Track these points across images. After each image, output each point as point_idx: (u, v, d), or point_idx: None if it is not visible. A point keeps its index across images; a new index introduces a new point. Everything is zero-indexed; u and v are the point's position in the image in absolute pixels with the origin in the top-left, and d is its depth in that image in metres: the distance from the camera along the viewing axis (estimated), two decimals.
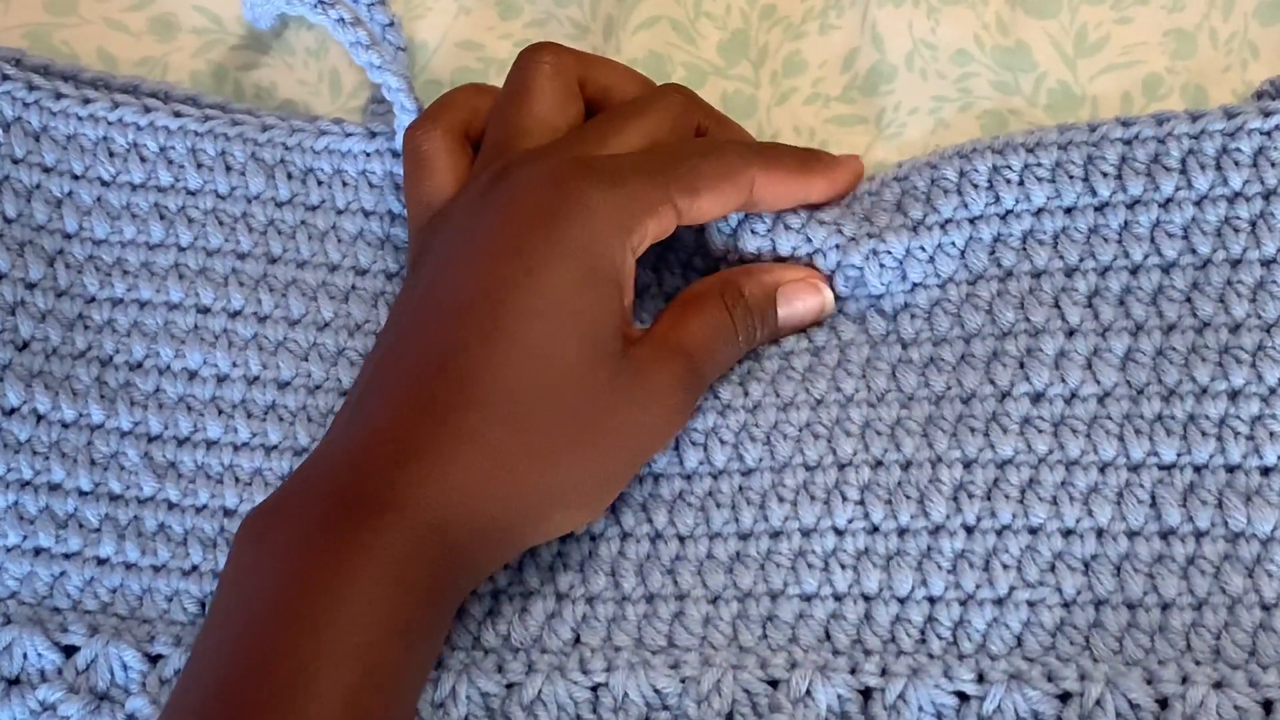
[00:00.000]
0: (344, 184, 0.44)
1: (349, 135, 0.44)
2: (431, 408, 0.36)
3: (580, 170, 0.37)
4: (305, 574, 0.33)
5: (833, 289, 0.42)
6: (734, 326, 0.40)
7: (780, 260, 0.42)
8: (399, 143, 0.43)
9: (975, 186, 0.41)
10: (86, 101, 0.44)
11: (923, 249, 0.41)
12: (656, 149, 0.39)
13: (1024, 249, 0.41)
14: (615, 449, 0.38)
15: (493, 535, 0.36)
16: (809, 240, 0.41)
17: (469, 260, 0.37)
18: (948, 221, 0.41)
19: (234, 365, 0.42)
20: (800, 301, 0.41)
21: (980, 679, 0.37)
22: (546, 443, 0.36)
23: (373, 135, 0.44)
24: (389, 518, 0.34)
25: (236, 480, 0.42)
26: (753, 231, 0.42)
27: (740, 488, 0.40)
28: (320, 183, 0.44)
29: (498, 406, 0.35)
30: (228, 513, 0.41)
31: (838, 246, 0.41)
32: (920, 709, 0.37)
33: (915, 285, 0.41)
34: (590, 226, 0.36)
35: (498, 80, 0.47)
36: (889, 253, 0.41)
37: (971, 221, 0.41)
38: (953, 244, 0.41)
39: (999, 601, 0.38)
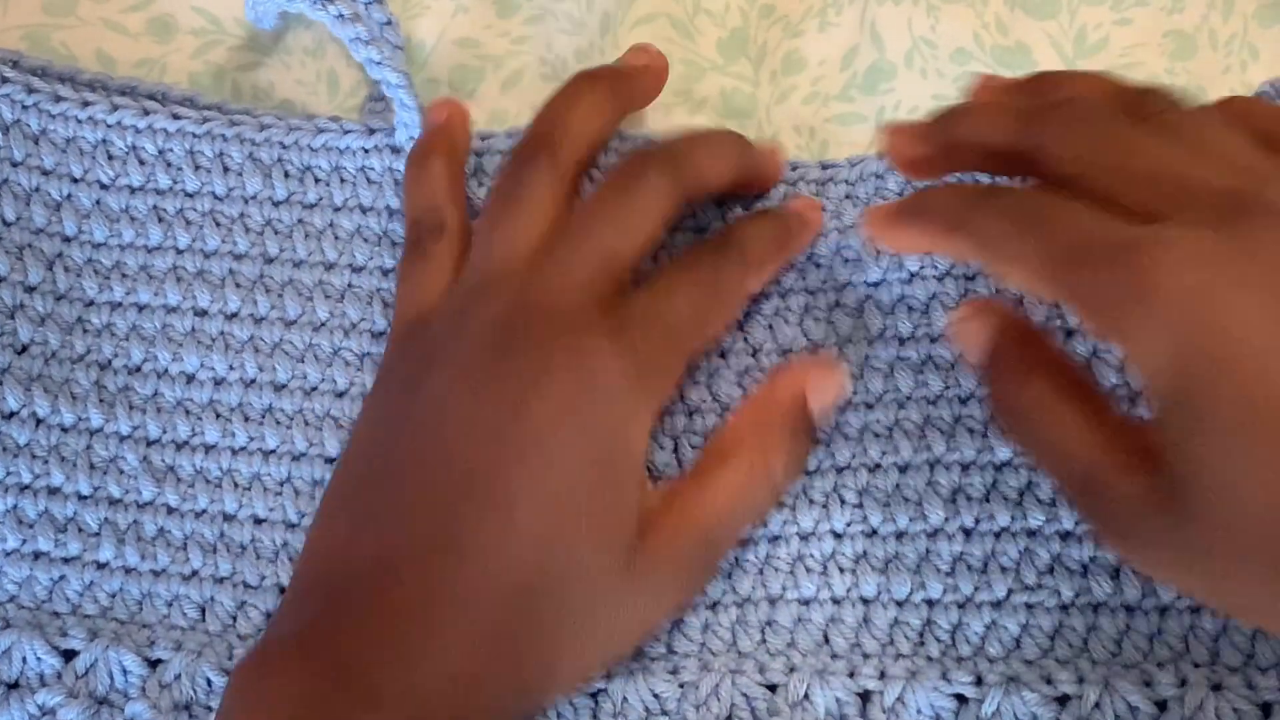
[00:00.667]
0: (342, 181, 0.44)
1: (347, 132, 0.44)
2: (427, 585, 0.33)
3: (613, 347, 0.35)
4: None
5: (833, 276, 0.41)
6: (770, 489, 0.38)
7: None
8: (398, 138, 0.43)
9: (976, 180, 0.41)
10: (85, 104, 0.44)
11: None
12: (659, 293, 0.37)
13: None
14: (621, 637, 0.36)
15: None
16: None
17: (479, 419, 0.34)
18: None
19: (230, 368, 0.42)
20: (825, 390, 0.39)
21: (978, 682, 0.37)
22: (552, 640, 0.34)
23: (371, 132, 0.44)
24: (394, 716, 0.32)
25: (235, 485, 0.42)
26: None
27: None
28: (318, 180, 0.44)
29: (504, 600, 0.33)
30: (227, 517, 0.41)
31: (838, 230, 0.41)
32: (918, 712, 0.37)
33: (913, 275, 0.41)
34: (618, 417, 0.34)
35: (495, 75, 0.47)
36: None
37: None
38: None
39: (997, 605, 0.38)
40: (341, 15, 0.42)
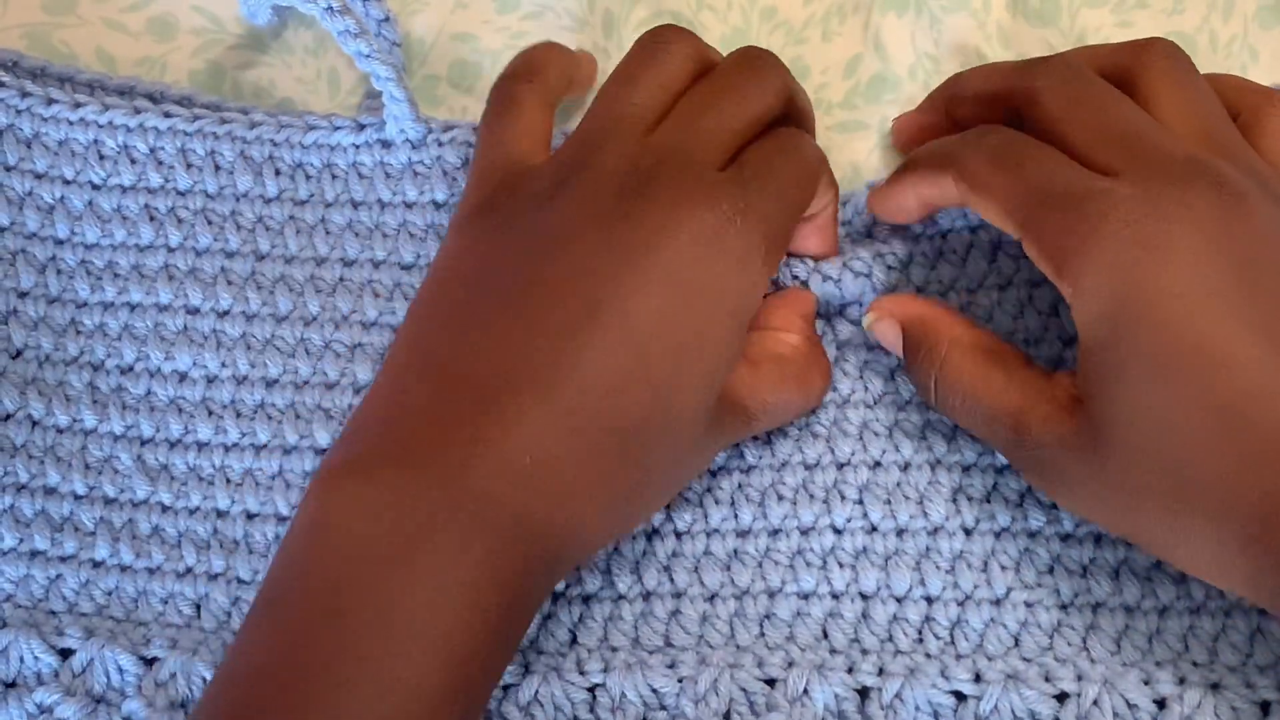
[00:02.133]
0: (333, 177, 0.44)
1: (337, 129, 0.44)
2: (546, 407, 0.33)
3: (749, 220, 0.35)
4: (409, 556, 0.32)
5: (838, 292, 0.41)
6: (810, 399, 0.39)
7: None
8: (389, 132, 0.43)
9: None
10: (77, 106, 0.44)
11: (925, 254, 0.41)
12: (770, 165, 0.37)
13: (1021, 256, 0.41)
14: (682, 483, 0.38)
15: (583, 548, 0.35)
16: (819, 268, 0.41)
17: (611, 254, 0.34)
18: (948, 231, 0.41)
19: (223, 365, 0.42)
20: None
21: (977, 679, 0.37)
22: (646, 475, 0.35)
23: (361, 127, 0.44)
24: (501, 530, 0.33)
25: (228, 481, 0.42)
26: None
27: (739, 485, 0.40)
28: (309, 177, 0.44)
29: (617, 431, 0.34)
30: (220, 514, 0.41)
31: (840, 263, 0.41)
32: (917, 708, 0.37)
33: (918, 289, 0.41)
34: (744, 272, 0.35)
35: (494, 70, 0.47)
36: (893, 254, 0.41)
37: (972, 230, 0.41)
38: (953, 250, 0.41)
39: (996, 602, 0.38)
40: (331, 8, 0.42)
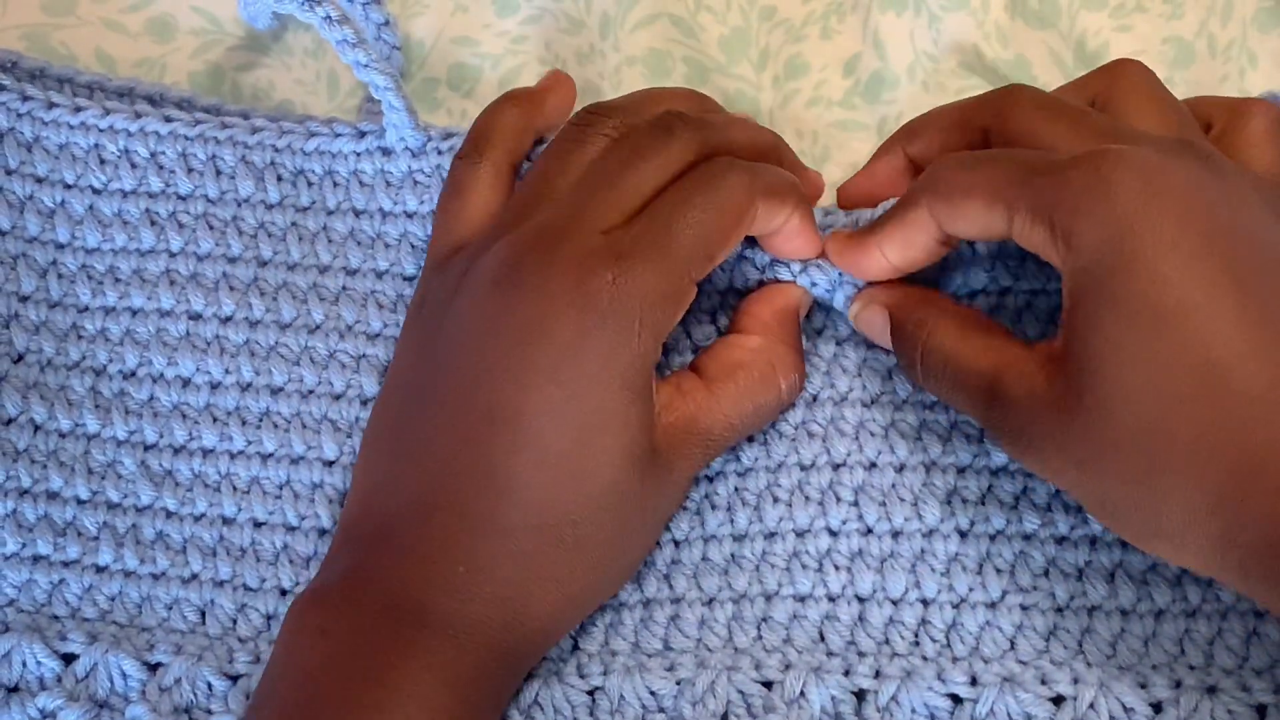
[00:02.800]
0: (335, 184, 0.44)
1: (339, 135, 0.44)
2: (467, 518, 0.35)
3: (618, 283, 0.35)
4: (362, 670, 0.34)
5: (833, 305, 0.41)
6: (780, 400, 0.39)
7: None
8: (389, 140, 0.43)
9: None
10: (78, 110, 0.44)
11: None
12: (675, 218, 0.37)
13: (1020, 267, 0.41)
14: (646, 537, 0.38)
15: (543, 636, 0.37)
16: (807, 272, 0.41)
17: (495, 355, 0.36)
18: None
19: (227, 372, 0.42)
20: (803, 309, 0.41)
21: (973, 682, 0.38)
22: (598, 558, 0.36)
23: (362, 135, 0.44)
24: (443, 634, 0.35)
25: (234, 489, 0.42)
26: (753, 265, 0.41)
27: (736, 489, 0.40)
28: (311, 184, 0.44)
29: (543, 525, 0.35)
30: (226, 521, 0.41)
31: (834, 281, 0.41)
32: (913, 711, 0.37)
33: None
34: (630, 348, 0.35)
35: (494, 74, 0.47)
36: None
37: (969, 241, 0.41)
38: (954, 259, 0.41)
39: (992, 605, 0.39)
40: (329, 17, 0.42)
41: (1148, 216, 0.32)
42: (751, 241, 0.41)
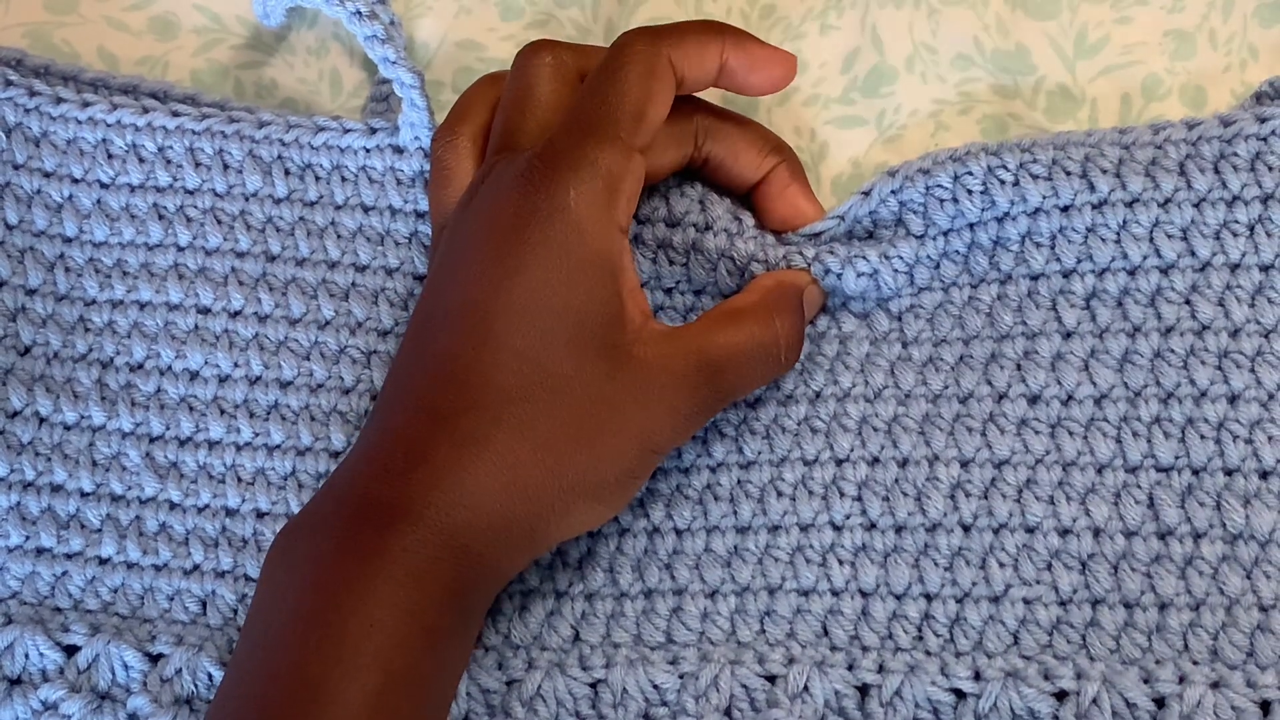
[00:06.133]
0: (343, 179, 0.44)
1: (348, 131, 0.44)
2: (434, 414, 0.36)
3: (547, 163, 0.37)
4: (327, 584, 0.34)
5: (841, 290, 0.42)
6: (780, 347, 0.39)
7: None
8: (403, 138, 0.43)
9: (970, 192, 0.41)
10: (86, 105, 0.44)
11: (929, 256, 0.41)
12: (583, 96, 0.38)
13: (1021, 252, 0.41)
14: (623, 444, 0.37)
15: (510, 536, 0.36)
16: (820, 258, 0.41)
17: (457, 269, 0.38)
18: (948, 231, 0.41)
19: (235, 365, 0.42)
20: (814, 305, 0.42)
21: (977, 677, 0.37)
22: (549, 441, 0.36)
23: (373, 131, 0.44)
24: (402, 525, 0.35)
25: (239, 480, 0.42)
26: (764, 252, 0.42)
27: (739, 481, 0.41)
28: (318, 179, 0.44)
29: (493, 409, 0.36)
30: (229, 513, 0.41)
31: (844, 259, 0.41)
32: (917, 705, 0.37)
33: (921, 289, 0.41)
34: (568, 220, 0.36)
35: None
36: (900, 257, 0.41)
37: (970, 227, 0.41)
38: (956, 251, 0.41)
39: (995, 599, 0.39)
40: (359, 13, 0.42)
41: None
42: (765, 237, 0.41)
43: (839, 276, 0.41)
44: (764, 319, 0.39)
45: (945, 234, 0.41)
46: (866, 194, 0.41)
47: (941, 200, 0.41)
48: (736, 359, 0.38)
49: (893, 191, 0.41)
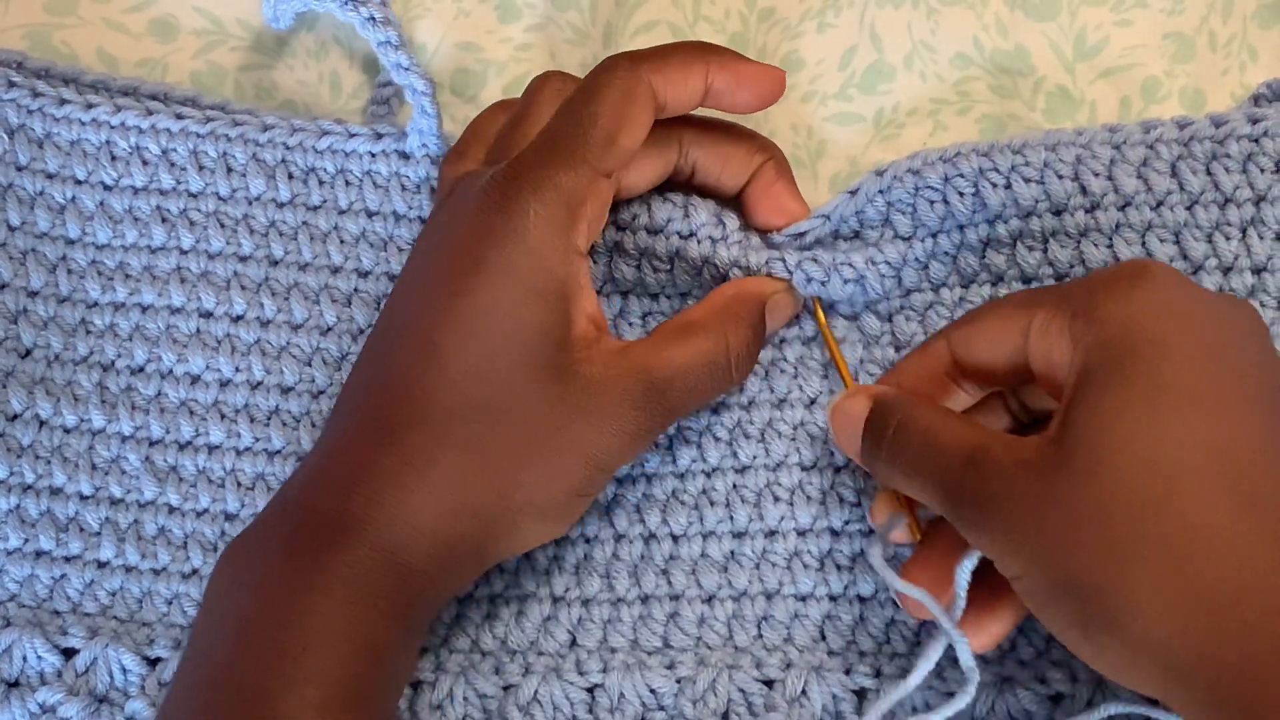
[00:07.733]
0: (347, 184, 0.44)
1: (353, 135, 0.44)
2: (380, 431, 0.36)
3: (508, 182, 0.37)
4: (270, 596, 0.34)
5: (827, 295, 0.41)
6: (729, 363, 0.38)
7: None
8: (410, 144, 0.43)
9: (961, 194, 0.40)
10: (89, 106, 0.44)
11: (917, 258, 0.41)
12: (555, 118, 0.38)
13: (1014, 254, 0.41)
14: (571, 463, 0.36)
15: (454, 553, 0.36)
16: (802, 265, 0.41)
17: (413, 286, 0.38)
18: (936, 232, 0.41)
19: (237, 370, 0.42)
20: (782, 312, 0.41)
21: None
22: (496, 460, 0.36)
23: (379, 136, 0.44)
24: (344, 541, 0.35)
25: (239, 485, 0.42)
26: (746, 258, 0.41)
27: (735, 486, 0.41)
28: (322, 183, 0.44)
29: (440, 428, 0.36)
30: (229, 517, 0.42)
31: (828, 266, 0.41)
32: (913, 710, 0.37)
33: (910, 291, 0.41)
34: (523, 242, 0.36)
35: (497, 80, 0.47)
36: (886, 262, 0.41)
37: (960, 228, 0.41)
38: (945, 252, 0.41)
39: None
40: (372, 18, 0.42)
41: (1170, 311, 0.33)
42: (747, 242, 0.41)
43: (823, 284, 0.40)
44: (715, 332, 0.38)
45: (934, 235, 0.41)
46: (853, 193, 0.41)
47: (931, 201, 0.41)
48: (684, 375, 0.37)
49: (880, 191, 0.41)
